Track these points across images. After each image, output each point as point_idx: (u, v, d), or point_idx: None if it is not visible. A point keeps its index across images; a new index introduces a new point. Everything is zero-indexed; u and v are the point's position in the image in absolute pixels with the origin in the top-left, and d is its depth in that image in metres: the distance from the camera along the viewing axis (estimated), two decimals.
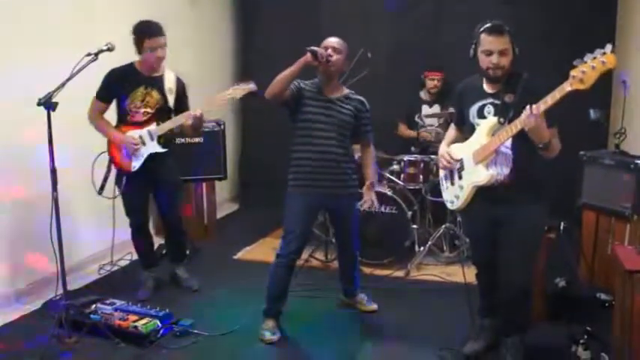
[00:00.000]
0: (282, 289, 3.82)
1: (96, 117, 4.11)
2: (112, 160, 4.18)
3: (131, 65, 4.11)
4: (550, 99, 2.76)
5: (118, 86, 4.08)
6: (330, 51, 3.67)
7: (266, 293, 3.82)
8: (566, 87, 2.69)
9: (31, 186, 4.24)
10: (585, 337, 3.43)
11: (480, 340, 3.51)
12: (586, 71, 2.60)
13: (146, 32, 3.98)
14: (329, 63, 3.65)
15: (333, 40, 3.74)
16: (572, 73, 2.65)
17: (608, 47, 2.57)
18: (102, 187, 4.17)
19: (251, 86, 3.97)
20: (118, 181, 4.23)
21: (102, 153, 4.17)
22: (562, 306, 3.94)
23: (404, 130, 5.85)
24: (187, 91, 4.30)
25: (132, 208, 4.29)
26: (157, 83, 4.12)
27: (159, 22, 4.05)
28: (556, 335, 3.63)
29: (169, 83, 4.16)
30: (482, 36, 3.03)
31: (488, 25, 3.04)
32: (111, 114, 4.20)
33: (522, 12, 5.65)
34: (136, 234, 4.41)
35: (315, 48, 3.60)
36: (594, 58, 2.59)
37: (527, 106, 2.82)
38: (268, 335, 3.71)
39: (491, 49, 3.01)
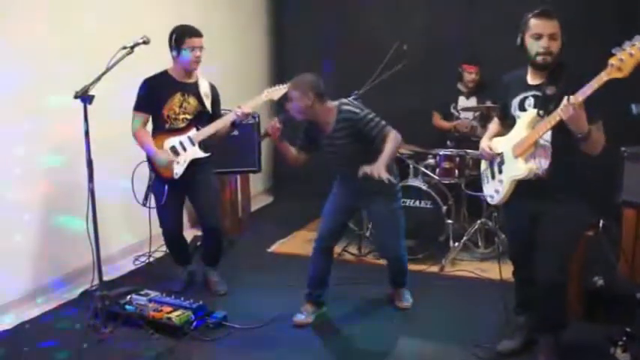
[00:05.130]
0: (319, 274, 3.93)
1: (139, 130, 4.05)
2: (152, 169, 4.13)
3: (165, 73, 4.08)
4: (588, 89, 2.69)
5: (156, 94, 4.04)
6: (285, 111, 3.72)
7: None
8: (604, 76, 2.63)
9: (68, 178, 4.30)
10: (624, 338, 3.34)
11: (515, 338, 3.46)
12: (624, 59, 2.54)
13: (187, 31, 3.97)
14: (290, 119, 3.72)
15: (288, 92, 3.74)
16: (611, 61, 2.58)
17: None
18: (146, 197, 4.14)
19: (287, 86, 4.01)
20: (158, 189, 4.13)
21: (141, 162, 4.12)
22: (600, 305, 3.85)
23: (437, 120, 5.76)
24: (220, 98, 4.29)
25: (167, 217, 4.25)
26: (193, 89, 4.09)
27: None
28: (594, 336, 3.55)
29: (204, 89, 4.13)
30: (531, 21, 2.96)
31: (537, 10, 2.97)
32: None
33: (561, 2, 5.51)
34: (170, 240, 4.40)
35: (262, 133, 3.94)
36: (633, 45, 2.52)
37: (566, 97, 2.76)
38: (298, 317, 3.84)
39: (541, 32, 2.93)
